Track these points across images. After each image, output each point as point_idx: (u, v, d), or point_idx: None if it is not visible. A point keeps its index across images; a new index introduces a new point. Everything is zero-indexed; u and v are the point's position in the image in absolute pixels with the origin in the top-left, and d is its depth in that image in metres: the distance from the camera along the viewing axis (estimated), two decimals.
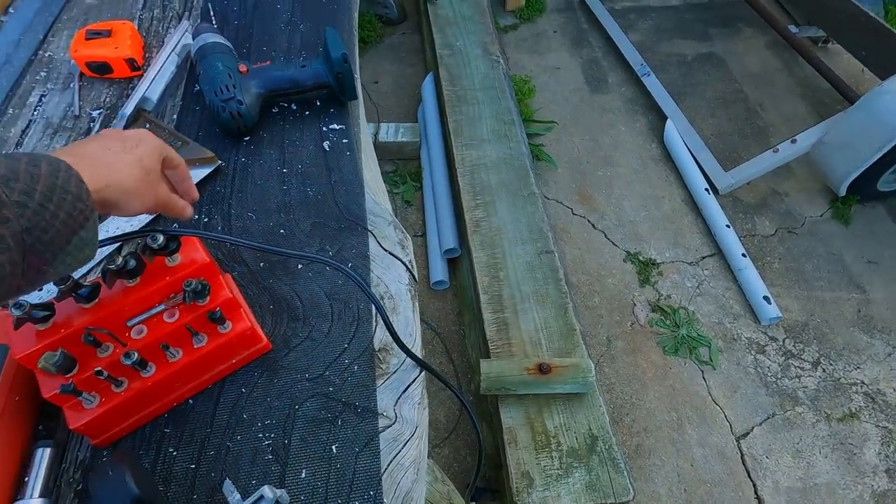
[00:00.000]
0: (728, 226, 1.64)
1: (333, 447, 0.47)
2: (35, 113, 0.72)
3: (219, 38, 0.74)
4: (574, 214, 1.74)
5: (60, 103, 0.74)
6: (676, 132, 1.88)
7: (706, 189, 1.73)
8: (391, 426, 0.49)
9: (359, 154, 0.71)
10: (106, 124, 0.71)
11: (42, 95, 0.74)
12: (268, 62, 0.74)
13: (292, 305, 0.56)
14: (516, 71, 2.19)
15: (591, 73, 2.21)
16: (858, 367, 1.43)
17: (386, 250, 0.61)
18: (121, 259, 0.42)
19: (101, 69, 0.75)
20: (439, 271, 1.52)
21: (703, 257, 1.65)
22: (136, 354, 0.42)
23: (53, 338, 0.41)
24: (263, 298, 0.56)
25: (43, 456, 0.42)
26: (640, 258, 1.64)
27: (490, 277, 1.32)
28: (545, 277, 1.31)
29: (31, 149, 0.68)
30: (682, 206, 1.77)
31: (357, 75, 0.80)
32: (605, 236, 1.69)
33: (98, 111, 0.73)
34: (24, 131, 0.70)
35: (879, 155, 1.47)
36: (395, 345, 0.53)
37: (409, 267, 0.61)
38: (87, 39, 0.74)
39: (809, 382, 1.41)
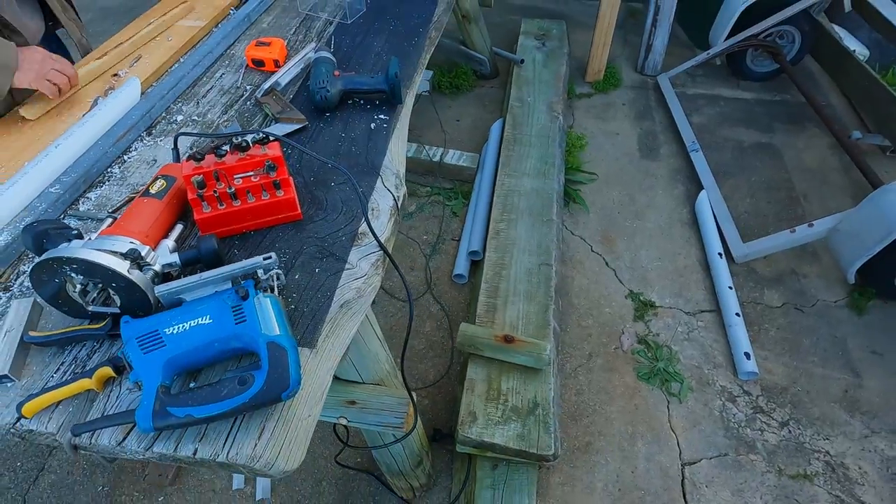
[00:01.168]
0: (731, 287, 1.79)
1: (317, 270, 0.82)
2: (216, 82, 1.21)
3: (329, 55, 1.18)
4: (592, 251, 1.99)
5: (231, 79, 1.22)
6: (707, 201, 2.08)
7: (719, 253, 1.90)
8: (352, 269, 0.83)
9: (391, 135, 1.09)
10: (253, 93, 1.17)
11: (222, 74, 1.23)
12: (353, 73, 1.17)
13: (320, 201, 0.93)
14: (578, 130, 2.52)
15: (645, 142, 2.47)
16: (828, 439, 1.49)
17: (385, 187, 0.98)
18: (239, 140, 0.82)
19: (258, 63, 1.23)
20: (461, 267, 1.85)
21: (701, 311, 1.80)
22: (234, 189, 0.82)
23: (200, 170, 0.81)
24: (307, 195, 0.94)
25: (177, 227, 0.82)
26: (641, 298, 1.83)
27: (494, 273, 1.62)
28: (539, 282, 1.59)
29: (209, 101, 1.15)
30: (694, 265, 1.94)
31: (411, 91, 1.20)
32: (615, 274, 1.91)
33: (250, 86, 1.19)
34: (208, 91, 1.18)
35: (882, 246, 1.57)
36: (366, 232, 0.88)
37: (396, 199, 0.96)
38: (256, 46, 1.23)
39: (771, 438, 1.49)
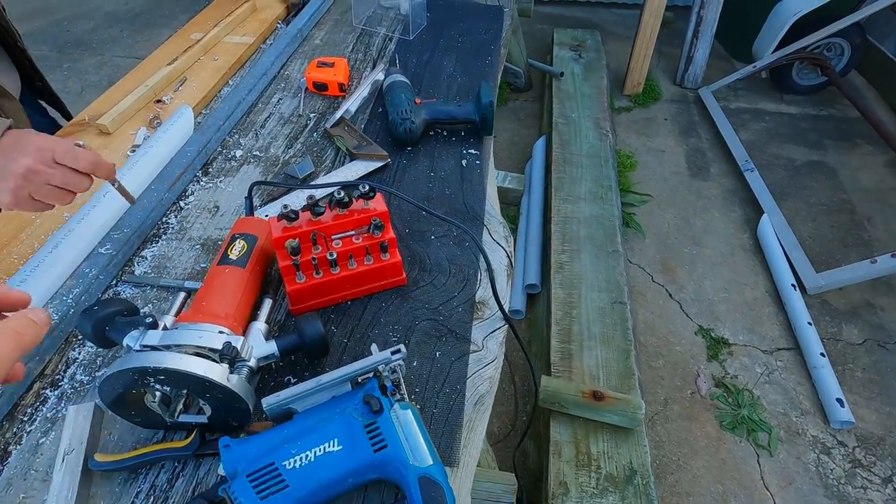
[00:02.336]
0: (810, 323, 1.66)
1: (437, 353, 0.67)
2: (274, 109, 1.05)
3: (403, 78, 1.03)
4: (653, 281, 1.85)
5: (290, 105, 1.06)
6: (771, 226, 1.95)
7: (792, 285, 1.76)
8: (479, 352, 0.68)
9: (485, 173, 0.94)
10: (318, 122, 1.01)
11: (280, 99, 1.08)
12: (434, 99, 1.02)
13: (423, 260, 0.78)
14: (622, 147, 2.38)
15: (694, 160, 2.34)
16: None
17: (494, 240, 0.83)
18: (340, 194, 0.67)
19: (320, 87, 1.07)
20: (518, 302, 1.70)
21: (779, 349, 1.66)
22: (335, 255, 0.66)
23: (294, 232, 0.66)
24: (405, 252, 0.79)
25: (266, 303, 0.66)
26: (712, 335, 1.69)
27: (563, 312, 1.47)
28: (614, 324, 1.44)
29: (269, 133, 1.00)
30: (764, 297, 1.81)
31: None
32: (681, 307, 1.77)
33: (313, 114, 1.04)
34: (266, 120, 1.03)
35: None
36: (489, 301, 0.72)
37: (509, 254, 0.81)
38: (317, 67, 1.08)
39: (876, 497, 1.36)
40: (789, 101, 2.68)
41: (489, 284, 0.74)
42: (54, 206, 0.63)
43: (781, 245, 1.89)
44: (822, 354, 1.58)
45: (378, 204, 0.70)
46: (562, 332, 1.42)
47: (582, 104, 2.29)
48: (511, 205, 2.10)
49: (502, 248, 0.82)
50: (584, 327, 1.43)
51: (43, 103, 1.02)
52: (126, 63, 3.03)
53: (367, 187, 0.68)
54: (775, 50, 2.50)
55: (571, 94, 2.35)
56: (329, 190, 0.85)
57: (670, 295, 1.81)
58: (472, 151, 0.98)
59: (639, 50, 2.57)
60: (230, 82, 1.11)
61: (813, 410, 1.51)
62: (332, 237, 0.69)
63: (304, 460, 0.50)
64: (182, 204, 0.85)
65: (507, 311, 0.72)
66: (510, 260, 0.81)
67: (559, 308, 1.48)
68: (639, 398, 1.22)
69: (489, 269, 0.70)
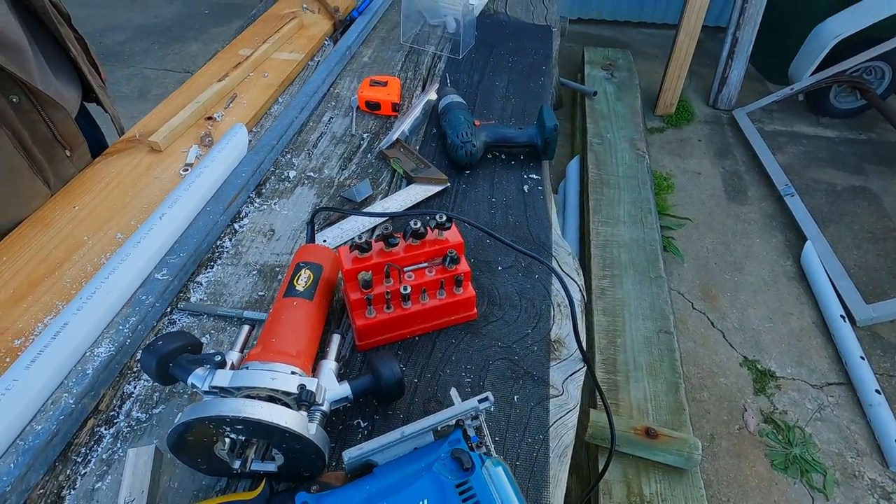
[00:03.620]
0: (863, 358, 1.58)
1: (515, 398, 0.62)
2: (326, 128, 1.02)
3: (460, 99, 1.00)
4: (694, 309, 1.79)
5: (342, 124, 1.03)
6: (815, 254, 1.88)
7: (841, 316, 1.69)
8: (559, 396, 0.63)
9: (548, 200, 0.90)
10: (371, 142, 0.98)
11: (331, 118, 1.05)
12: (492, 121, 0.98)
13: (492, 294, 0.73)
14: (657, 169, 2.34)
15: (731, 183, 2.29)
16: None
17: (565, 272, 0.78)
18: (416, 224, 0.63)
19: (373, 107, 1.04)
20: None
21: (829, 384, 1.59)
22: (409, 289, 0.62)
23: (366, 263, 0.62)
24: (472, 285, 0.74)
25: (335, 339, 0.62)
26: (758, 366, 1.62)
27: (607, 341, 1.41)
28: (661, 354, 1.38)
29: (322, 153, 0.97)
30: (811, 328, 1.73)
31: None
32: (724, 336, 1.71)
33: (366, 134, 1.01)
34: (318, 139, 1.00)
35: None
36: (565, 339, 0.68)
37: (581, 288, 0.77)
38: (370, 86, 1.05)
39: None
40: (826, 125, 2.62)
41: (563, 321, 0.70)
42: None
43: (827, 273, 1.83)
44: (878, 391, 1.50)
45: (453, 235, 0.66)
46: (606, 362, 1.36)
47: (617, 124, 2.25)
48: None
49: (574, 281, 0.77)
50: (630, 357, 1.37)
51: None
52: (156, 75, 3.05)
53: (443, 217, 0.64)
54: (813, 73, 2.45)
55: (605, 114, 2.32)
56: (384, 217, 0.81)
57: (712, 323, 1.74)
58: (533, 176, 0.94)
59: (672, 70, 2.54)
60: (280, 100, 1.09)
61: (870, 451, 1.43)
62: (405, 269, 0.64)
63: None
64: (236, 227, 0.82)
65: (585, 350, 0.68)
66: (582, 294, 0.77)
67: (603, 336, 1.43)
68: (694, 437, 1.16)
69: (570, 304, 0.66)
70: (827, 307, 1.74)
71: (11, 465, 0.51)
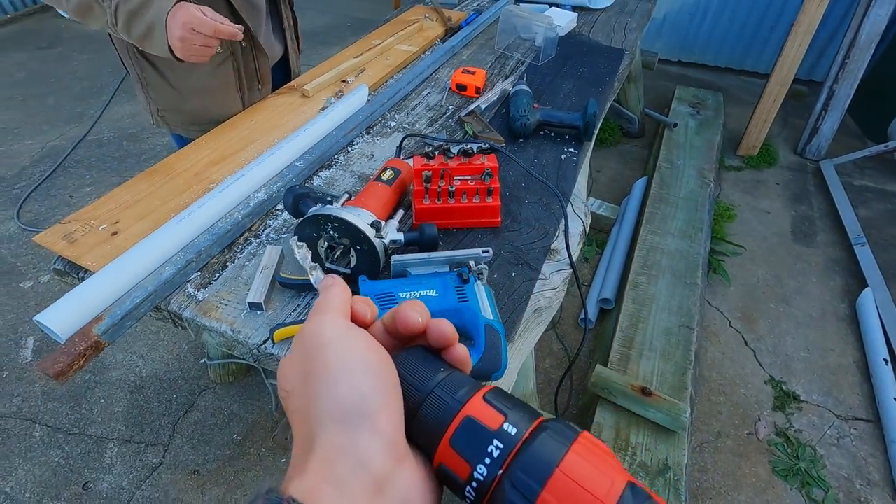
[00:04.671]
0: None
1: (513, 274, 0.88)
2: (423, 99, 1.36)
3: (527, 88, 1.29)
4: (730, 326, 1.88)
5: (435, 99, 1.37)
6: (873, 300, 1.88)
7: (885, 360, 1.70)
8: (545, 280, 0.88)
9: (579, 168, 1.15)
10: (454, 113, 1.30)
11: (428, 93, 1.39)
12: (548, 106, 1.26)
13: (515, 215, 1.00)
14: (723, 200, 2.43)
15: (800, 226, 2.32)
16: None
17: (575, 213, 1.03)
18: (468, 146, 0.92)
19: (461, 88, 1.37)
20: (590, 311, 1.84)
21: (856, 418, 1.61)
22: (454, 188, 0.91)
23: (429, 167, 0.92)
24: (503, 206, 1.02)
25: (399, 212, 0.92)
26: (784, 388, 1.68)
27: (630, 323, 1.59)
28: (677, 343, 1.53)
29: (417, 114, 1.30)
30: (850, 366, 1.75)
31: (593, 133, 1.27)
32: (755, 355, 1.78)
33: (451, 106, 1.33)
34: (416, 105, 1.34)
35: None
36: (561, 251, 0.93)
37: (585, 224, 1.01)
38: (462, 73, 1.38)
39: None
40: None
41: (564, 239, 0.95)
42: (207, 58, 0.96)
43: (881, 320, 1.83)
44: None
45: (491, 160, 0.95)
46: (624, 339, 1.54)
47: (689, 153, 2.39)
48: (602, 231, 2.25)
49: (580, 218, 1.02)
50: (647, 339, 1.54)
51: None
52: (302, 70, 3.67)
53: (487, 145, 0.93)
54: None
55: (681, 144, 2.47)
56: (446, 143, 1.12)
57: (746, 342, 1.82)
58: (572, 150, 1.19)
59: (760, 113, 2.62)
60: (394, 77, 1.45)
61: (882, 483, 1.45)
62: (455, 177, 0.94)
63: (411, 295, 0.74)
64: (349, 149, 1.17)
65: (573, 261, 0.92)
66: (585, 229, 1.01)
67: (626, 319, 1.60)
68: (687, 406, 1.30)
69: (565, 223, 0.91)
70: (872, 349, 1.75)
71: (204, 240, 0.87)
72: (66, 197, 2.38)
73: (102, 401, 1.61)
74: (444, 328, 0.31)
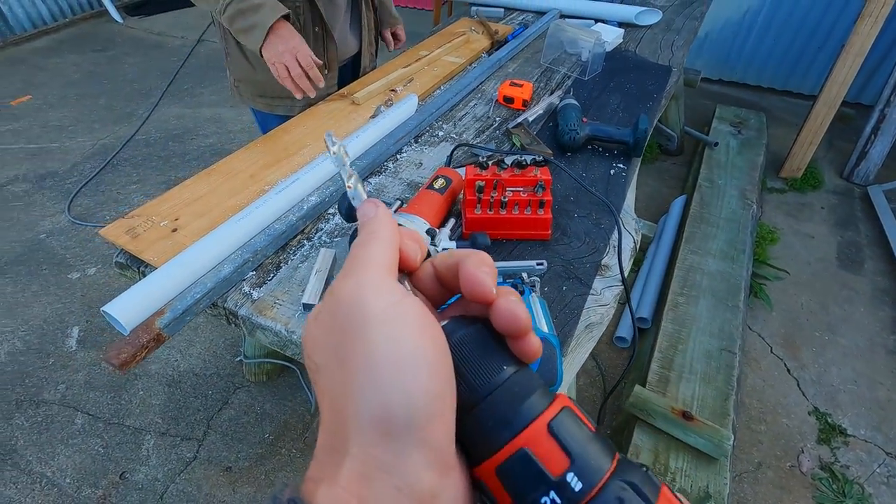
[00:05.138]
0: None
1: (564, 288, 0.87)
2: (470, 110, 1.37)
3: (575, 102, 1.29)
4: (772, 353, 1.82)
5: (482, 110, 1.37)
6: None
7: None
8: (596, 295, 0.87)
9: (628, 184, 1.14)
10: (501, 125, 1.30)
11: (475, 104, 1.40)
12: (597, 121, 1.25)
13: (565, 229, 0.99)
14: (766, 222, 2.37)
15: (846, 252, 2.24)
16: None
17: (626, 229, 1.01)
18: (522, 158, 0.92)
19: (508, 100, 1.37)
20: (625, 330, 1.80)
21: None
22: (506, 199, 0.91)
23: (482, 177, 0.93)
24: (553, 220, 1.01)
25: (451, 221, 0.93)
26: (829, 420, 1.61)
27: (669, 344, 1.55)
28: (718, 367, 1.48)
29: (464, 124, 1.31)
30: None
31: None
32: (797, 384, 1.72)
33: (498, 118, 1.34)
34: (463, 115, 1.35)
35: None
36: (612, 266, 0.91)
37: (635, 240, 0.99)
38: (510, 85, 1.38)
39: None
40: None
41: (614, 256, 0.94)
42: (289, 74, 1.12)
43: None
44: None
45: (545, 173, 0.94)
46: (664, 360, 1.50)
47: (731, 174, 2.35)
48: (638, 248, 2.21)
49: (631, 235, 1.00)
50: (687, 362, 1.50)
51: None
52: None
53: (541, 158, 0.93)
54: None
55: (722, 164, 2.42)
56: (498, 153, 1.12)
57: (788, 370, 1.76)
58: (621, 166, 1.18)
59: (805, 135, 2.56)
60: (442, 87, 1.47)
61: None
62: (507, 188, 0.94)
63: None
64: (398, 157, 1.18)
65: (625, 277, 0.91)
66: (635, 245, 0.99)
67: (665, 339, 1.57)
68: (730, 433, 1.26)
69: (620, 237, 0.90)
70: None
71: (260, 240, 0.89)
72: (114, 193, 2.47)
73: (141, 393, 1.66)
74: (519, 313, 0.24)
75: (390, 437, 0.20)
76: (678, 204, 2.28)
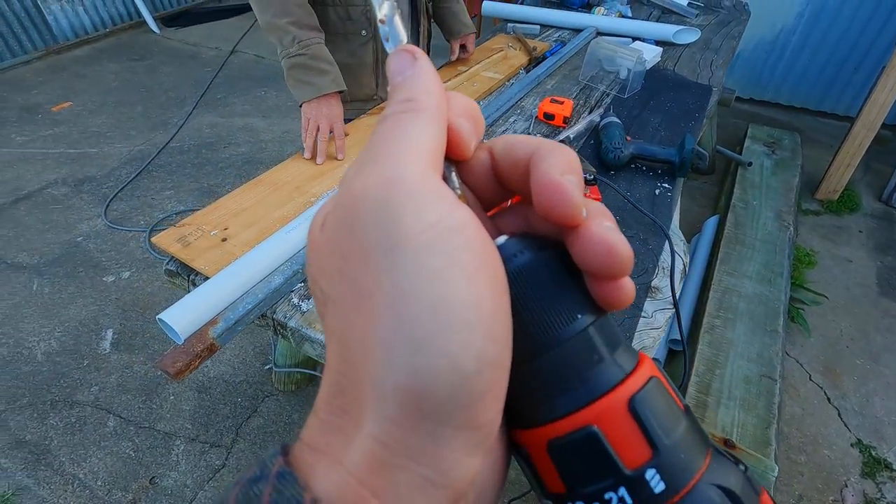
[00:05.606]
0: None
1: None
2: (509, 126, 1.37)
3: (618, 120, 1.28)
4: (811, 380, 1.76)
5: (522, 126, 1.37)
6: None
7: None
8: (647, 318, 0.85)
9: (674, 203, 1.12)
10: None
11: (514, 120, 1.40)
12: (641, 140, 1.24)
13: None
14: (801, 244, 2.31)
15: (888, 278, 2.17)
16: None
17: (674, 251, 1.00)
18: None
19: (548, 117, 1.37)
20: (659, 353, 1.76)
21: None
22: None
23: None
24: None
25: None
26: (873, 453, 1.55)
27: (706, 368, 1.51)
28: (759, 393, 1.44)
29: None
30: None
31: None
32: (839, 414, 1.66)
33: (538, 134, 1.33)
34: (502, 132, 1.35)
35: None
36: (662, 288, 0.89)
37: (685, 262, 0.97)
38: (550, 102, 1.38)
39: None
40: None
41: (664, 277, 0.92)
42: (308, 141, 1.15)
43: None
44: None
45: (594, 192, 0.93)
46: (701, 385, 1.46)
47: (766, 195, 2.30)
48: None
49: (680, 257, 0.99)
50: (725, 387, 1.46)
51: None
52: None
53: (592, 176, 0.92)
54: None
55: (756, 184, 2.38)
56: None
57: (828, 399, 1.70)
58: (666, 185, 1.17)
59: (842, 157, 2.50)
60: (481, 103, 1.47)
61: None
62: None
63: None
64: None
65: (677, 300, 0.89)
66: (685, 267, 0.97)
67: (702, 363, 1.53)
68: (771, 460, 1.22)
69: (672, 259, 0.88)
70: None
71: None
72: (149, 199, 2.52)
73: (172, 398, 1.67)
74: (618, 247, 0.17)
75: (423, 417, 0.15)
76: (711, 224, 2.24)
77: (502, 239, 0.19)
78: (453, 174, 0.20)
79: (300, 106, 1.13)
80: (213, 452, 1.53)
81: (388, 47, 0.20)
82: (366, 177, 0.16)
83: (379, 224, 0.15)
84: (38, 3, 3.91)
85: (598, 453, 0.17)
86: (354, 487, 0.15)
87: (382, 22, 0.20)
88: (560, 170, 0.18)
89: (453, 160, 0.20)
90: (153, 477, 1.47)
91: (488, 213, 0.22)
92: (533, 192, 0.18)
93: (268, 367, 1.72)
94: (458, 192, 0.19)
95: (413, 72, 0.19)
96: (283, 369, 1.63)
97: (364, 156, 0.17)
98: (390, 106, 0.18)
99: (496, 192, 0.21)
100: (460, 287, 0.15)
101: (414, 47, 0.20)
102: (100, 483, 1.45)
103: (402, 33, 0.20)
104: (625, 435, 0.17)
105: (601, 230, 0.18)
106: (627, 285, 0.18)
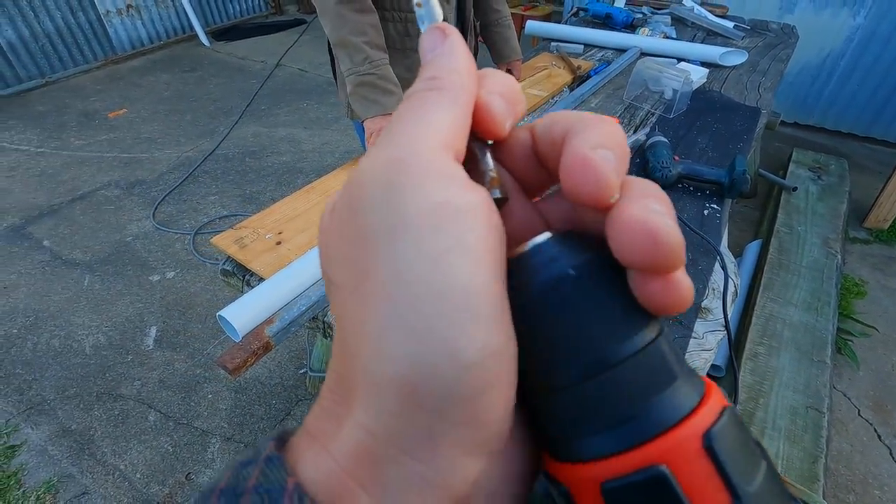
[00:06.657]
0: None
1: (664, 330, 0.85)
2: None
3: (665, 139, 1.27)
4: (860, 415, 1.68)
5: None
6: None
7: None
8: (698, 339, 0.84)
9: (723, 224, 1.11)
10: None
11: None
12: (689, 160, 1.23)
13: None
14: (849, 273, 2.23)
15: None
16: None
17: (726, 273, 0.98)
18: None
19: None
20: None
21: None
22: None
23: None
24: None
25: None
26: None
27: (748, 397, 1.47)
28: (805, 426, 1.39)
29: None
30: None
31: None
32: (890, 453, 1.57)
33: None
34: None
35: None
36: (713, 309, 0.88)
37: (736, 284, 0.96)
38: None
39: None
40: None
41: (714, 299, 0.90)
42: None
43: None
44: None
45: None
46: (743, 413, 1.42)
47: (812, 221, 2.24)
48: None
49: (731, 279, 0.97)
50: (770, 417, 1.41)
51: None
52: None
53: None
54: None
55: (801, 210, 2.32)
56: None
57: (879, 436, 1.62)
58: (714, 206, 1.15)
59: (893, 185, 2.41)
60: (524, 119, 1.49)
61: None
62: None
63: None
64: None
65: (728, 321, 0.87)
66: (736, 289, 0.96)
67: (745, 392, 1.48)
68: (820, 496, 1.17)
69: (725, 280, 0.87)
70: None
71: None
72: (194, 203, 2.62)
73: (210, 396, 1.71)
74: (664, 233, 0.15)
75: (419, 409, 0.14)
76: (753, 248, 2.19)
77: (543, 237, 0.17)
78: (487, 155, 0.18)
79: (362, 122, 1.16)
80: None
81: (423, 27, 0.19)
82: (374, 157, 0.16)
83: (380, 205, 0.15)
84: (101, 16, 4.16)
85: (666, 500, 0.14)
86: (339, 476, 0.14)
87: (419, 6, 0.19)
88: (593, 143, 0.16)
89: (487, 141, 0.19)
90: (189, 473, 1.50)
91: (534, 199, 0.20)
92: (560, 172, 0.16)
93: (302, 370, 1.75)
94: (492, 174, 0.18)
95: (441, 49, 0.18)
96: (318, 374, 1.65)
97: (381, 137, 0.16)
98: (416, 84, 0.17)
99: (540, 177, 0.19)
100: (464, 271, 0.14)
101: (446, 24, 0.18)
102: (139, 476, 1.49)
103: (438, 12, 0.19)
104: (699, 478, 0.14)
105: (641, 212, 0.15)
106: (682, 282, 0.15)
